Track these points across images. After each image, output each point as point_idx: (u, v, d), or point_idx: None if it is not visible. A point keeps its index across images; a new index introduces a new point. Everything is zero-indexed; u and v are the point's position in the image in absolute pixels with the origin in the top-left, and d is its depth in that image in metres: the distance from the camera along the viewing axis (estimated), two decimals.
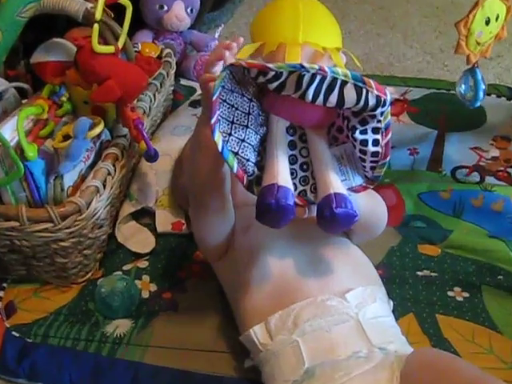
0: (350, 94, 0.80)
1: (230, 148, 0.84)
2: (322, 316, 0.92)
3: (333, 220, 0.84)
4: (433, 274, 1.21)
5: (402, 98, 1.67)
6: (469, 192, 1.35)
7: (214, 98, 0.82)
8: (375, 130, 0.85)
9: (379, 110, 0.82)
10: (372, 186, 0.90)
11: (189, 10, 1.77)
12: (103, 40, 1.15)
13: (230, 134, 0.84)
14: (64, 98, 1.22)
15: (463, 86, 1.35)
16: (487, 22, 1.26)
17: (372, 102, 0.81)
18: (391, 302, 1.03)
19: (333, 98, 0.81)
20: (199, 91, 1.71)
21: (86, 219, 1.10)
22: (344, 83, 0.80)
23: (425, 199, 1.36)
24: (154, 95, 1.39)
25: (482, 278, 1.20)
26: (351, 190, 0.89)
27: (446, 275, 1.21)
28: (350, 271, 1.00)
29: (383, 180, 1.39)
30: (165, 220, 1.30)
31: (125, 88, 1.13)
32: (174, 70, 1.56)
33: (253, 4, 2.25)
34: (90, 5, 1.16)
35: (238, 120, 0.85)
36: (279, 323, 0.94)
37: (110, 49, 1.14)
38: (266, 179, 0.86)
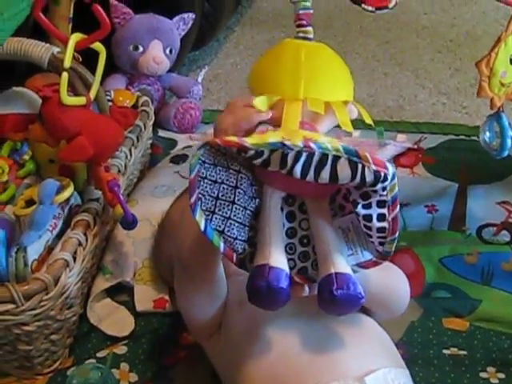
0: (343, 169, 0.82)
1: (214, 226, 0.88)
2: None
3: (333, 303, 0.86)
4: (461, 352, 1.21)
5: (415, 146, 1.70)
6: (498, 254, 1.37)
7: (192, 176, 0.86)
8: (380, 204, 0.86)
9: (380, 186, 0.83)
10: (383, 262, 0.92)
11: (168, 51, 1.80)
12: (72, 89, 1.17)
13: (213, 212, 0.88)
14: (26, 157, 1.24)
15: (488, 133, 1.37)
16: None
17: (370, 177, 0.82)
18: None
19: (325, 174, 0.83)
20: (181, 144, 1.74)
21: (54, 299, 1.10)
22: (337, 158, 0.82)
23: (448, 264, 1.37)
24: (130, 150, 1.42)
25: None
26: (359, 265, 0.91)
27: (476, 353, 1.21)
28: (369, 349, 1.00)
29: (398, 243, 1.40)
30: (145, 297, 1.30)
31: (98, 145, 1.14)
32: (153, 121, 1.58)
33: (240, 42, 2.31)
34: (56, 49, 1.19)
35: (223, 195, 0.89)
36: None
37: (81, 100, 1.15)
38: (257, 259, 0.89)
